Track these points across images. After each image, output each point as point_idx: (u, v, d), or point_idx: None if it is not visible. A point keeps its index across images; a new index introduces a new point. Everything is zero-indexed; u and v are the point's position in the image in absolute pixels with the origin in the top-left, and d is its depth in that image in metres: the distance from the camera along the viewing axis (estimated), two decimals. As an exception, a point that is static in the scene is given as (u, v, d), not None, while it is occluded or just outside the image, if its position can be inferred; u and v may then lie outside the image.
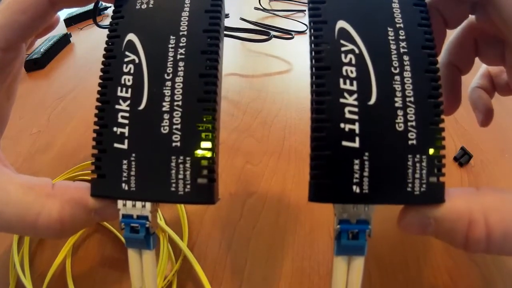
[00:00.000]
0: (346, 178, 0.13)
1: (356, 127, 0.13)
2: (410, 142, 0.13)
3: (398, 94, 0.13)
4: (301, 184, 0.29)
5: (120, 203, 0.14)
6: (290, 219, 0.26)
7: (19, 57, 0.17)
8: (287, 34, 0.48)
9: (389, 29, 0.14)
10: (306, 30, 0.54)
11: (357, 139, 0.13)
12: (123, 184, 0.14)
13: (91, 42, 0.47)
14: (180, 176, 0.14)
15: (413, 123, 0.13)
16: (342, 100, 0.13)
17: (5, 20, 0.15)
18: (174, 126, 0.14)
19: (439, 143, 0.13)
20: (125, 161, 0.14)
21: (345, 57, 0.13)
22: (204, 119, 0.14)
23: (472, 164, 0.33)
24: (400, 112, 0.13)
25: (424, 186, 0.13)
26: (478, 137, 0.37)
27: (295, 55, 0.47)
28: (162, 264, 0.22)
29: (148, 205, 0.14)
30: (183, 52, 0.14)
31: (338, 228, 0.14)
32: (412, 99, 0.13)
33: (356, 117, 0.13)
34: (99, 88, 0.15)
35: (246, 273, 0.22)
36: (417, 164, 0.13)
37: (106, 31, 0.19)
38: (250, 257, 0.23)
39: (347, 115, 0.13)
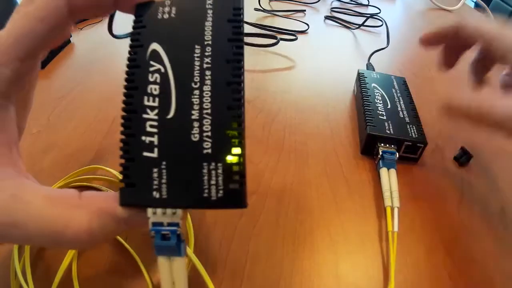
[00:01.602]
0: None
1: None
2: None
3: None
4: (301, 184, 0.29)
5: (150, 211, 0.15)
6: (290, 219, 0.26)
7: (36, 66, 0.17)
8: (290, 35, 0.48)
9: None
10: (307, 29, 0.54)
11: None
12: (154, 192, 0.14)
13: (91, 42, 0.47)
14: (213, 182, 0.14)
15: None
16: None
17: (23, 28, 0.15)
18: (205, 134, 0.14)
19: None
20: (155, 169, 0.14)
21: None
22: (233, 126, 0.14)
23: (472, 164, 0.33)
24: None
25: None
26: (478, 137, 0.37)
27: (297, 55, 0.47)
28: None
29: (179, 212, 0.15)
30: (209, 61, 0.15)
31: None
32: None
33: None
34: (124, 98, 0.15)
35: (246, 273, 0.22)
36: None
37: (106, 32, 0.19)
38: (250, 257, 0.23)
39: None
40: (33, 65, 0.17)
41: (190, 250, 0.23)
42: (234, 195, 0.14)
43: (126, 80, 0.15)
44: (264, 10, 0.57)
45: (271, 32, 0.48)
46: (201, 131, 0.14)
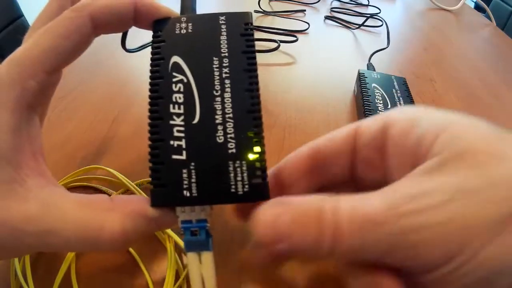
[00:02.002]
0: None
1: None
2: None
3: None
4: (301, 184, 0.29)
5: (179, 209, 0.16)
6: (290, 219, 0.26)
7: (59, 79, 0.18)
8: (290, 36, 0.49)
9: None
10: (307, 29, 0.54)
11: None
12: (185, 192, 0.15)
13: (92, 43, 0.47)
14: (239, 178, 0.15)
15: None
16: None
17: (49, 44, 0.16)
18: (229, 136, 0.16)
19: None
20: (184, 170, 0.15)
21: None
22: (254, 128, 0.16)
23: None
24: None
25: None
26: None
27: (298, 54, 0.48)
28: (171, 270, 0.22)
29: (207, 208, 0.16)
30: (228, 71, 0.17)
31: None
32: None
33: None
34: (150, 107, 0.16)
35: (246, 274, 0.22)
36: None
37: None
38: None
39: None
40: (56, 78, 0.18)
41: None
42: (258, 188, 0.15)
43: (151, 90, 0.17)
44: (264, 12, 0.57)
45: (271, 36, 0.49)
46: (225, 133, 0.16)
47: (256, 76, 0.17)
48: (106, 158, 0.30)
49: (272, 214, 0.14)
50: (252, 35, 0.17)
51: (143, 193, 0.26)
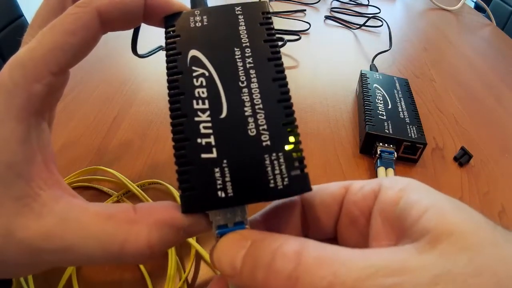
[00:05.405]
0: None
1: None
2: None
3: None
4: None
5: (212, 213, 0.15)
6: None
7: (67, 80, 0.17)
8: (293, 35, 0.50)
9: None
10: (308, 29, 0.54)
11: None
12: (220, 192, 0.14)
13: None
14: (277, 172, 0.14)
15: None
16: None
17: (54, 42, 0.15)
18: (261, 127, 0.15)
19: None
20: (217, 169, 0.14)
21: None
22: (286, 117, 0.15)
23: (472, 164, 0.33)
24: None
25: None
26: (478, 137, 0.37)
27: (299, 54, 0.48)
28: (172, 272, 0.22)
29: (245, 209, 0.15)
30: (251, 61, 0.16)
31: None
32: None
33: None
34: (170, 105, 0.15)
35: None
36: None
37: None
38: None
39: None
40: (64, 81, 0.17)
41: (193, 240, 0.24)
42: (299, 180, 0.14)
43: (170, 87, 0.16)
44: (264, 11, 0.58)
45: (277, 34, 0.49)
46: (257, 125, 0.15)
47: (282, 64, 0.16)
48: (106, 158, 0.30)
49: (227, 249, 0.13)
50: (272, 23, 0.17)
51: (144, 195, 0.26)
